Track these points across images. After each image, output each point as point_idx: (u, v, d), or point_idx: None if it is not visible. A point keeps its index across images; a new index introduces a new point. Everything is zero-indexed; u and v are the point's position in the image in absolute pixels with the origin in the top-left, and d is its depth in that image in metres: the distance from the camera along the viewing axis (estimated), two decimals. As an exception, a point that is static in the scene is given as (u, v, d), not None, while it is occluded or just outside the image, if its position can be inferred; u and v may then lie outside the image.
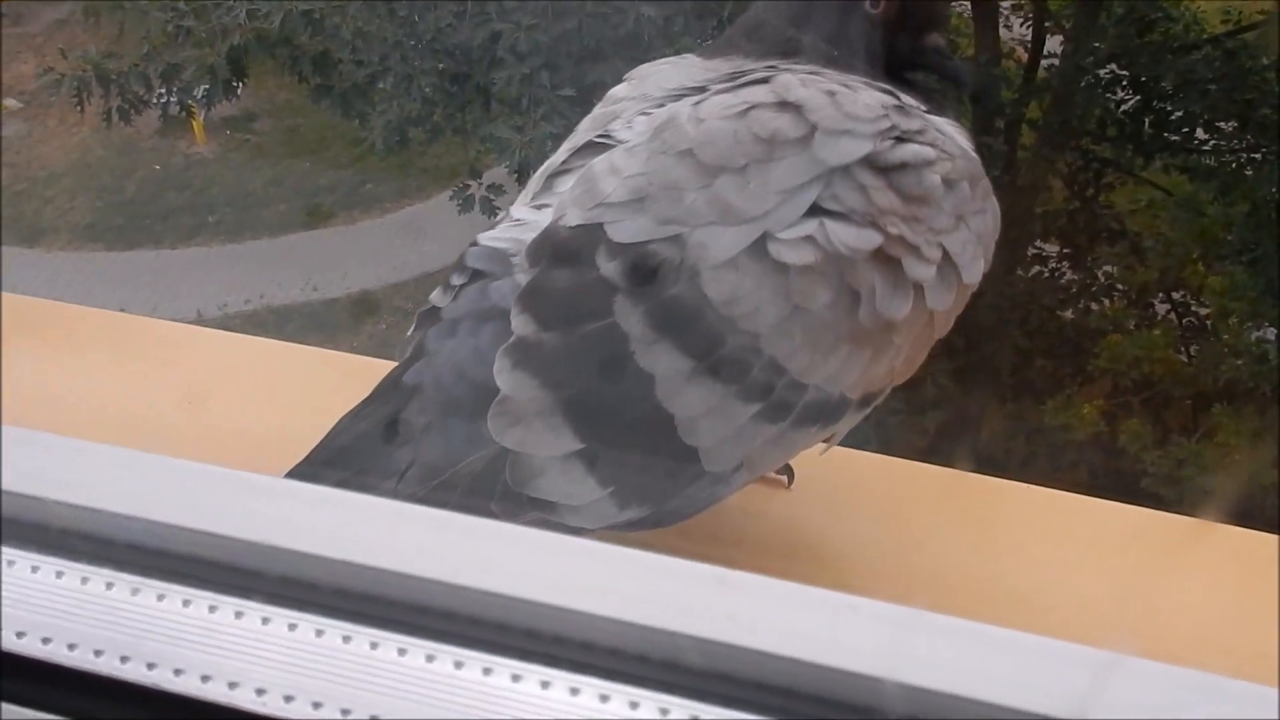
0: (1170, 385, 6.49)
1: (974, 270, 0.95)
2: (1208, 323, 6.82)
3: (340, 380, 1.17)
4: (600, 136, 0.98)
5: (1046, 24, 7.81)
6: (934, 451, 6.33)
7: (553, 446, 0.88)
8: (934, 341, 0.98)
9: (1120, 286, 7.28)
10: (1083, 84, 7.36)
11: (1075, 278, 7.50)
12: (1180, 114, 7.31)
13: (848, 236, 0.88)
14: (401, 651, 0.52)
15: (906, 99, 0.96)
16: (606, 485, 0.88)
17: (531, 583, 0.51)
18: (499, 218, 1.03)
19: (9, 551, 0.55)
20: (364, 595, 0.53)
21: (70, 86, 5.83)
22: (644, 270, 0.88)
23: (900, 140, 0.91)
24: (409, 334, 0.97)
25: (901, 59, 1.02)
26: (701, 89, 0.97)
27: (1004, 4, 8.01)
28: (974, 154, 0.97)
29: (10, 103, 10.32)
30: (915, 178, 0.91)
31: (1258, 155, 7.10)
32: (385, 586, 0.53)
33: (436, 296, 0.96)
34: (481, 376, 0.89)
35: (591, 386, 0.89)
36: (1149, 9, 7.30)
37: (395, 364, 0.98)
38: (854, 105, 0.91)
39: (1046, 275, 7.49)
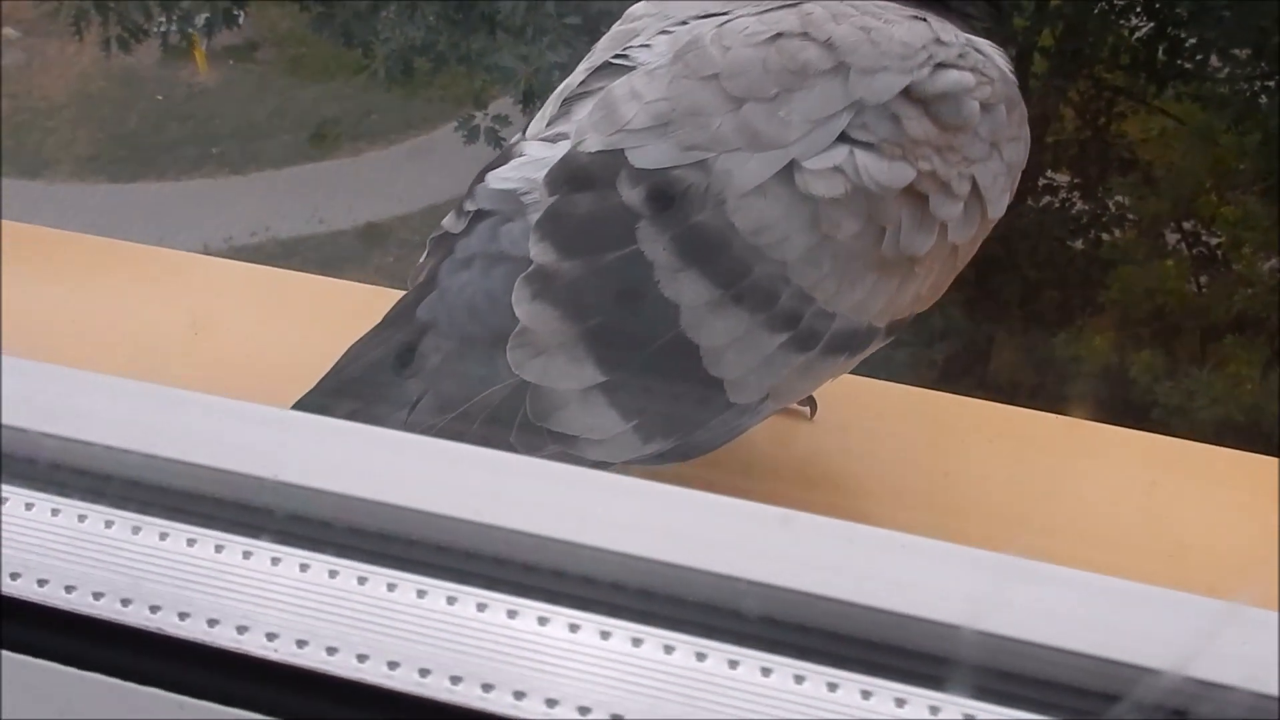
0: (1181, 316, 6.44)
1: (1000, 204, 0.94)
2: (1219, 253, 6.76)
3: (349, 309, 1.14)
4: (618, 57, 0.95)
5: (1061, -51, 7.70)
6: (943, 382, 6.31)
7: (575, 379, 0.86)
8: (959, 269, 0.97)
9: (1131, 217, 7.21)
10: (1096, 10, 7.26)
11: (1086, 208, 7.43)
12: (1194, 41, 7.20)
13: (878, 171, 0.86)
14: (421, 594, 0.49)
15: (941, 23, 0.93)
16: (630, 418, 0.87)
17: (560, 520, 0.49)
18: (511, 142, 1.00)
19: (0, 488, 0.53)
20: (380, 534, 0.51)
21: (68, 14, 5.77)
22: (668, 196, 0.85)
23: (940, 67, 0.89)
24: (421, 259, 0.96)
25: None
26: (724, 12, 0.93)
27: (1017, -70, 7.90)
28: (1012, 76, 0.95)
29: (9, 32, 10.22)
30: (954, 106, 0.89)
31: (1272, 83, 7.01)
32: (403, 524, 0.50)
33: (449, 222, 0.94)
34: (494, 318, 0.87)
35: (614, 316, 0.87)
36: (1166, -67, 7.18)
37: (405, 293, 0.95)
38: (889, 42, 0.88)
39: (1057, 205, 7.41)
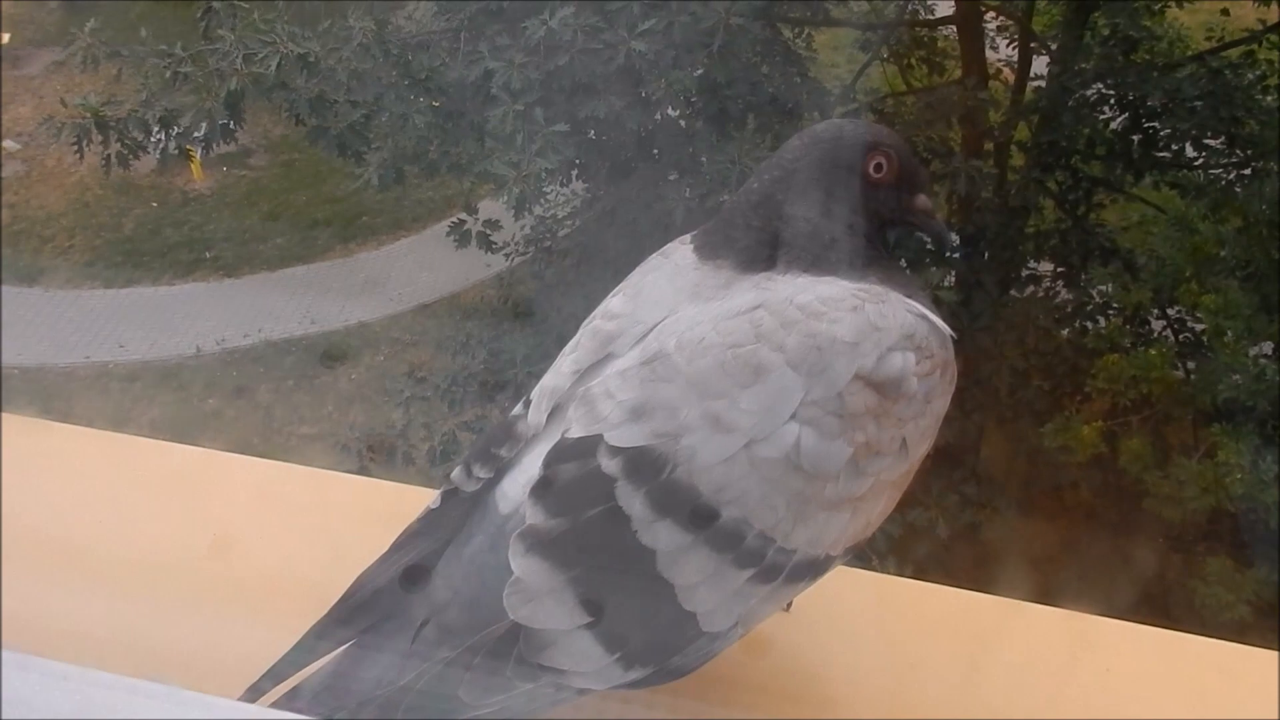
0: (1169, 404, 6.50)
1: (922, 449, 1.06)
2: (1204, 339, 6.83)
3: (370, 509, 1.24)
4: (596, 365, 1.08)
5: (1032, 45, 7.86)
6: (934, 475, 6.35)
7: (562, 620, 0.97)
8: (901, 493, 1.08)
9: (1115, 305, 7.30)
10: (1070, 104, 7.41)
11: (1070, 297, 7.51)
12: (1168, 131, 7.35)
13: (818, 453, 0.98)
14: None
15: (880, 303, 1.04)
16: (613, 651, 0.98)
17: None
18: (514, 413, 1.12)
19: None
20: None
21: (70, 133, 5.87)
22: (642, 463, 0.98)
23: (889, 351, 1.02)
24: (432, 504, 1.09)
25: (888, 217, 1.13)
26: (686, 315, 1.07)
27: (989, 26, 8.06)
28: (948, 336, 1.08)
29: (9, 144, 10.36)
30: (897, 385, 1.01)
31: (1247, 171, 7.14)
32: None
33: (459, 477, 1.08)
34: (497, 586, 0.98)
35: (596, 564, 0.99)
36: (1133, 28, 7.34)
37: (420, 489, 1.07)
38: (833, 344, 1.00)
39: (1041, 295, 7.50)
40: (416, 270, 9.68)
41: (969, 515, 6.15)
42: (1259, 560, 5.48)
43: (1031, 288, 7.53)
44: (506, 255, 7.47)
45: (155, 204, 10.18)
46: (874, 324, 1.02)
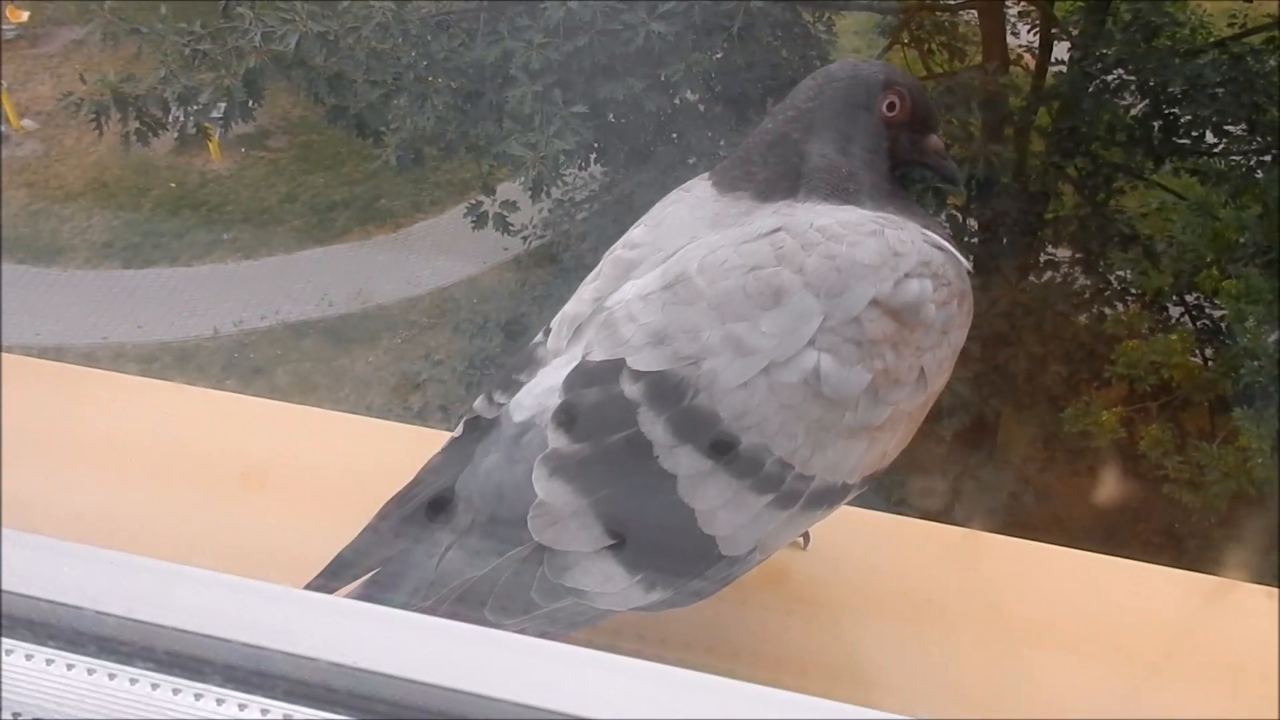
0: (1188, 389, 6.47)
1: (941, 379, 1.07)
2: (1224, 325, 6.80)
3: (388, 449, 1.25)
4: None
5: (1053, 30, 7.82)
6: (951, 459, 6.34)
7: (586, 543, 1.00)
8: (918, 425, 1.10)
9: (1134, 291, 7.27)
10: (1090, 90, 7.37)
11: (1088, 283, 7.49)
12: (1189, 118, 7.31)
13: (838, 379, 1.00)
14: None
15: (899, 229, 1.05)
16: (635, 573, 1.00)
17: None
18: (534, 341, 1.14)
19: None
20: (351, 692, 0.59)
21: (89, 110, 5.88)
22: (664, 388, 0.99)
23: (906, 277, 1.02)
24: (455, 432, 1.11)
25: (901, 157, 1.15)
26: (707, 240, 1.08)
27: (1011, 11, 8.03)
28: (965, 268, 1.09)
29: (27, 123, 10.40)
30: (914, 311, 1.02)
31: (1268, 157, 7.11)
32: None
33: (481, 405, 1.11)
34: (516, 502, 1.01)
35: (619, 488, 1.01)
36: (1155, 14, 7.31)
37: (438, 431, 1.14)
38: (853, 265, 1.01)
39: (1059, 281, 7.48)
40: (434, 253, 9.68)
41: (987, 500, 6.13)
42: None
43: (1050, 273, 7.51)
44: (524, 239, 7.48)
45: (173, 184, 10.20)
46: (893, 249, 1.03)
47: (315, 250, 9.78)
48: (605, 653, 0.68)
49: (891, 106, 1.12)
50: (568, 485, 1.00)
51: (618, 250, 1.14)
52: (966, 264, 1.09)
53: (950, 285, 1.06)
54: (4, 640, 0.62)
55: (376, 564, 1.04)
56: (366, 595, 1.02)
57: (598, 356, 1.03)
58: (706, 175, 1.17)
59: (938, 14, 8.31)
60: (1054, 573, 1.24)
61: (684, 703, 0.63)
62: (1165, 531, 5.79)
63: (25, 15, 11.10)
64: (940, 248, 1.07)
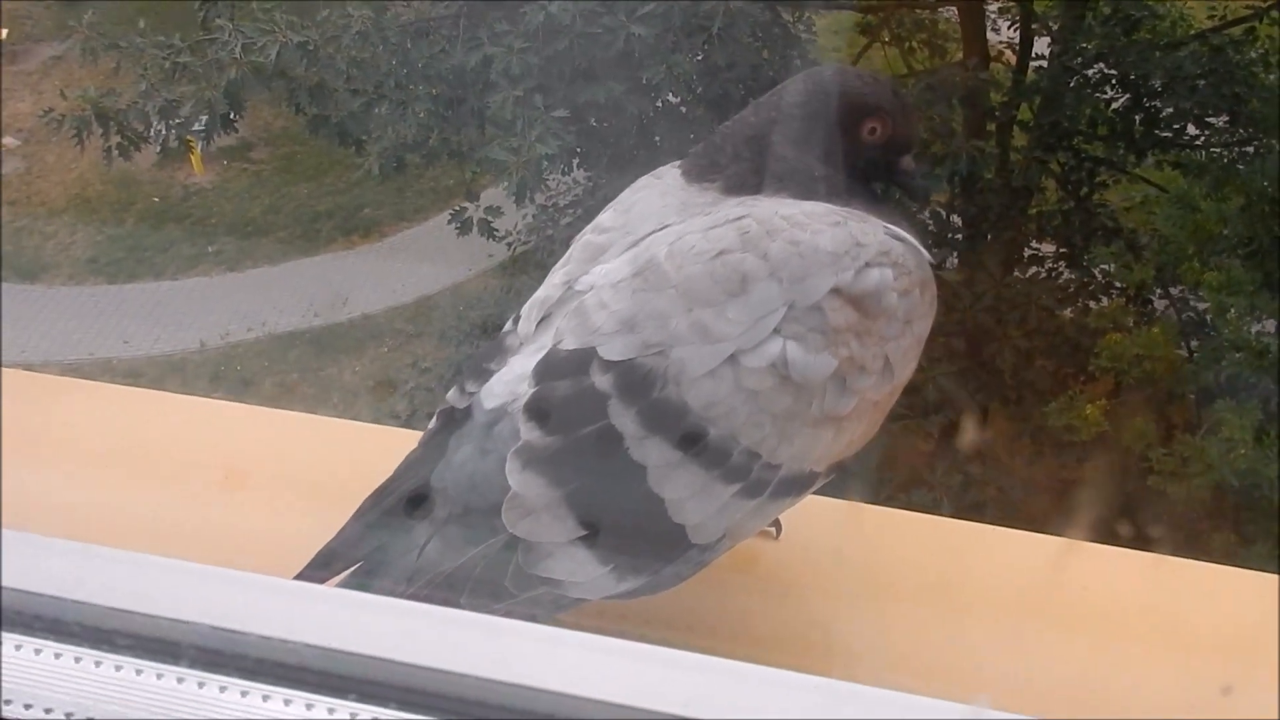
0: (1172, 381, 6.50)
1: (907, 369, 1.09)
2: (1207, 317, 6.83)
3: (368, 450, 1.25)
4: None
5: (1034, 26, 7.86)
6: (938, 455, 6.36)
7: (559, 534, 1.01)
8: (885, 415, 1.11)
9: (1118, 284, 7.31)
10: (1072, 84, 7.41)
11: (1072, 277, 7.53)
12: (1170, 110, 7.36)
13: (804, 365, 1.01)
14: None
15: (862, 223, 1.08)
16: (607, 563, 1.02)
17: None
18: (504, 330, 1.15)
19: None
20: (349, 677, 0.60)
21: (70, 125, 5.88)
22: (633, 380, 1.01)
23: (867, 266, 1.04)
24: (431, 426, 1.12)
25: (873, 174, 1.17)
26: (675, 225, 1.10)
27: (990, 7, 8.06)
28: (928, 259, 1.11)
29: (8, 140, 10.37)
30: (876, 299, 1.04)
31: (1249, 149, 7.14)
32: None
33: (453, 397, 1.11)
34: (489, 492, 1.03)
35: (591, 480, 1.03)
36: (1135, 8, 7.35)
37: (418, 433, 1.13)
38: (816, 252, 1.03)
39: (1044, 275, 7.52)
40: (418, 261, 9.68)
41: (973, 495, 6.15)
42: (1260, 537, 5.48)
43: (1034, 268, 7.55)
44: (509, 245, 7.47)
45: (156, 199, 10.19)
46: (855, 239, 1.05)
47: (300, 261, 9.78)
48: (590, 634, 0.70)
49: (873, 131, 1.15)
50: (541, 478, 1.01)
51: (587, 235, 1.17)
52: (929, 256, 1.11)
53: (911, 274, 1.07)
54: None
55: (360, 557, 1.05)
56: (352, 587, 1.03)
57: (569, 345, 1.05)
58: (677, 164, 1.19)
59: (918, 11, 8.34)
60: (1002, 551, 1.28)
61: (665, 679, 0.65)
62: (1126, 516, 5.80)
63: (4, 32, 11.07)
64: (901, 239, 1.08)
